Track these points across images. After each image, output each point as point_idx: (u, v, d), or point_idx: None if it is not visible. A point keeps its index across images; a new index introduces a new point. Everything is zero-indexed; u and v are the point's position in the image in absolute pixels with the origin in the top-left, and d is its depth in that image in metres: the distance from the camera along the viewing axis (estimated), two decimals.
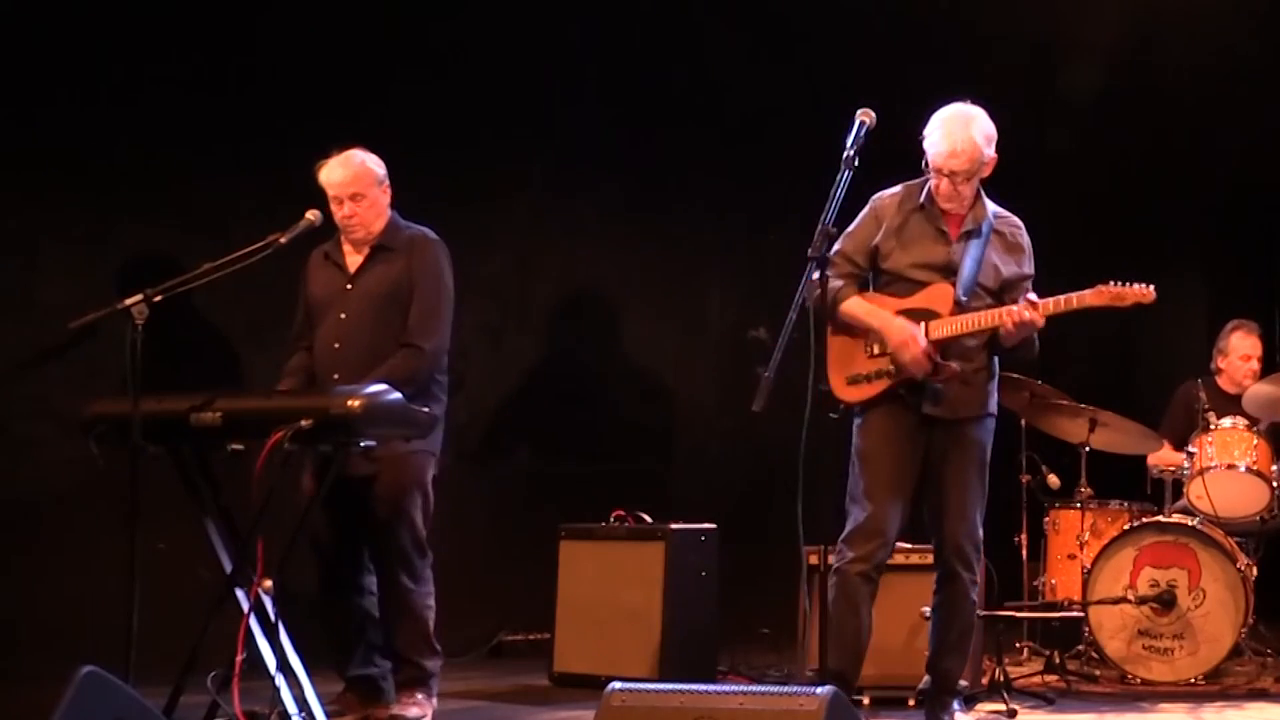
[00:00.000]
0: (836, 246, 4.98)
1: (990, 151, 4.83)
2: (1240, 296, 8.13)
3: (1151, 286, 4.68)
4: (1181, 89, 8.32)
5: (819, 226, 4.39)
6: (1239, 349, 7.03)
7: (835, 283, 4.92)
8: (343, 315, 5.18)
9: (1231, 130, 8.34)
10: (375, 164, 5.24)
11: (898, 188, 5.00)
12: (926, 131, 4.85)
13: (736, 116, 7.92)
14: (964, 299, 4.78)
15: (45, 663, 4.49)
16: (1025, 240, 4.99)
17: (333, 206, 5.18)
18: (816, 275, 4.87)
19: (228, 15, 6.69)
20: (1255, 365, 6.99)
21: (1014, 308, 4.71)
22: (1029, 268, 4.96)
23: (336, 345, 5.13)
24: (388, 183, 5.25)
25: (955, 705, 5.00)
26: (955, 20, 8.01)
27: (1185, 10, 7.92)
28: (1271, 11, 7.87)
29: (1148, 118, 8.43)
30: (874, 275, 4.97)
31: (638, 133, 7.69)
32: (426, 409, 4.82)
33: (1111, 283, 4.69)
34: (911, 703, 5.34)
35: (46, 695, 3.55)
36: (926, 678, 5.06)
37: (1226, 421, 6.50)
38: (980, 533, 4.92)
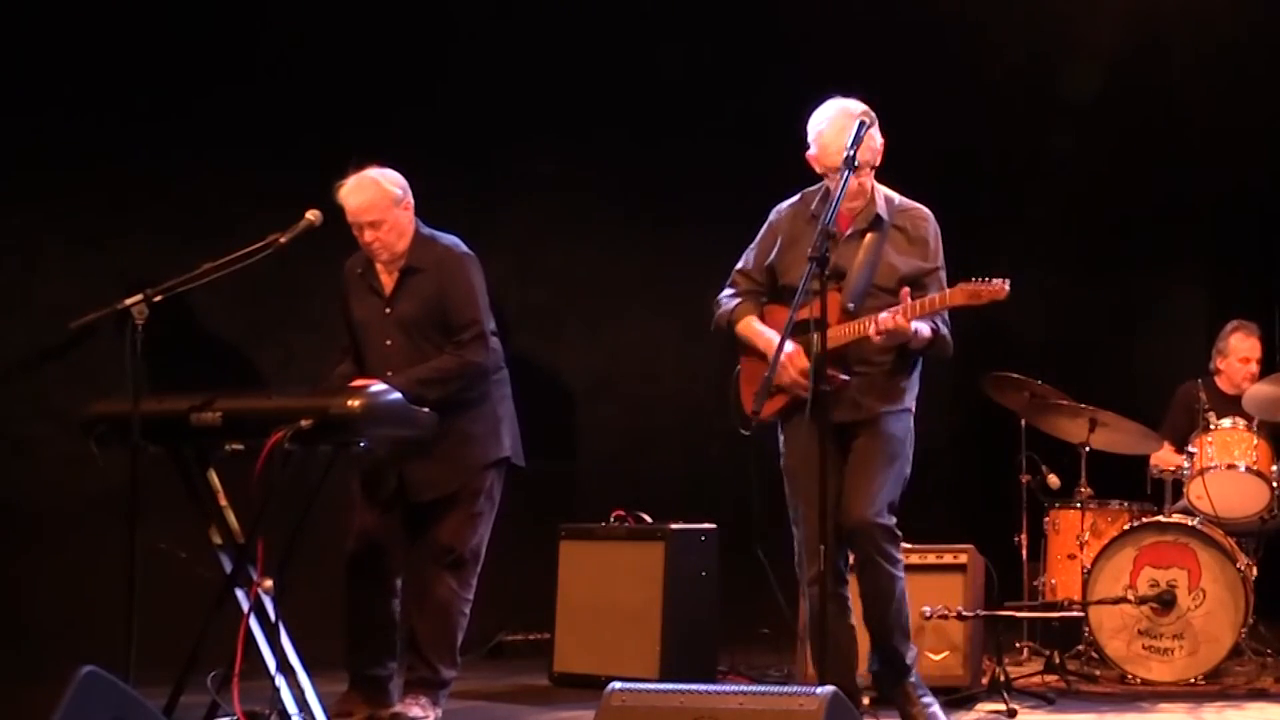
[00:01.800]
0: (739, 263, 5.07)
1: (880, 138, 4.78)
2: (1240, 296, 8.12)
3: (1006, 282, 4.59)
4: (1181, 89, 8.32)
5: (819, 226, 4.40)
6: (1239, 350, 7.03)
7: (730, 302, 4.99)
8: (388, 342, 5.18)
9: (1232, 130, 8.34)
10: (391, 184, 5.15)
11: (795, 197, 4.97)
12: (811, 138, 4.78)
13: (736, 116, 7.92)
14: (851, 306, 4.73)
15: (45, 663, 4.50)
16: (931, 231, 4.88)
17: (354, 231, 5.16)
18: (729, 291, 4.95)
19: (229, 17, 6.70)
20: (1254, 367, 6.98)
21: (882, 315, 4.63)
22: (935, 260, 4.86)
23: (390, 374, 5.05)
24: (408, 198, 5.18)
25: (913, 678, 4.90)
26: (955, 20, 8.01)
27: (1185, 10, 7.92)
28: (1271, 11, 7.87)
29: (1148, 118, 8.43)
30: (776, 289, 4.95)
31: (638, 133, 7.69)
32: (484, 407, 5.09)
33: (973, 279, 4.60)
34: (866, 700, 5.12)
35: (46, 695, 3.55)
36: (876, 663, 4.94)
37: (1226, 422, 6.49)
38: (890, 518, 4.79)
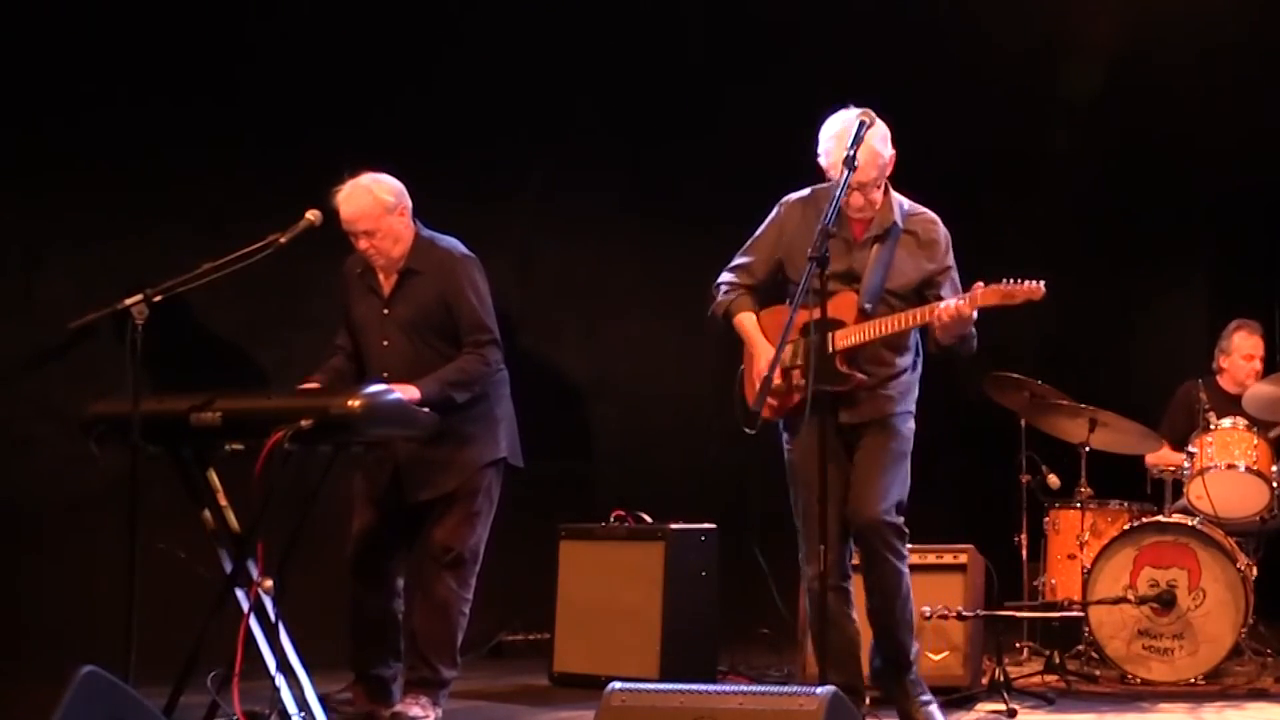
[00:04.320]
0: (738, 257, 5.07)
1: (889, 150, 4.79)
2: (1240, 296, 8.13)
3: (1041, 283, 4.60)
4: (1181, 88, 8.31)
5: (819, 226, 4.40)
6: (1241, 349, 7.03)
7: (728, 295, 5.02)
8: (385, 343, 5.20)
9: (1232, 130, 8.33)
10: (385, 191, 5.14)
11: (805, 191, 4.98)
12: (821, 150, 4.79)
13: (736, 116, 7.91)
14: (868, 307, 4.77)
15: (45, 663, 4.50)
16: (940, 234, 4.93)
17: (350, 238, 5.17)
18: (728, 277, 4.96)
19: (229, 18, 6.70)
20: (1258, 365, 6.99)
21: (948, 303, 4.65)
22: (946, 260, 4.91)
23: (386, 374, 5.08)
24: (403, 203, 5.17)
25: (913, 675, 4.94)
26: (955, 20, 8.01)
27: (1185, 10, 7.92)
28: (1271, 11, 7.86)
29: (1148, 117, 8.42)
30: (781, 285, 4.97)
31: (637, 133, 7.69)
32: (482, 407, 5.12)
33: (1005, 280, 4.61)
34: (867, 700, 5.13)
35: (46, 695, 3.55)
36: (877, 660, 5.00)
37: (1226, 422, 6.49)
38: (898, 517, 4.85)
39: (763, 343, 4.87)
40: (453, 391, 5.00)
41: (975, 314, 4.68)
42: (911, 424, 4.94)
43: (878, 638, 4.96)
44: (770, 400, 4.78)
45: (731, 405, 5.07)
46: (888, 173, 4.83)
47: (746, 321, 4.98)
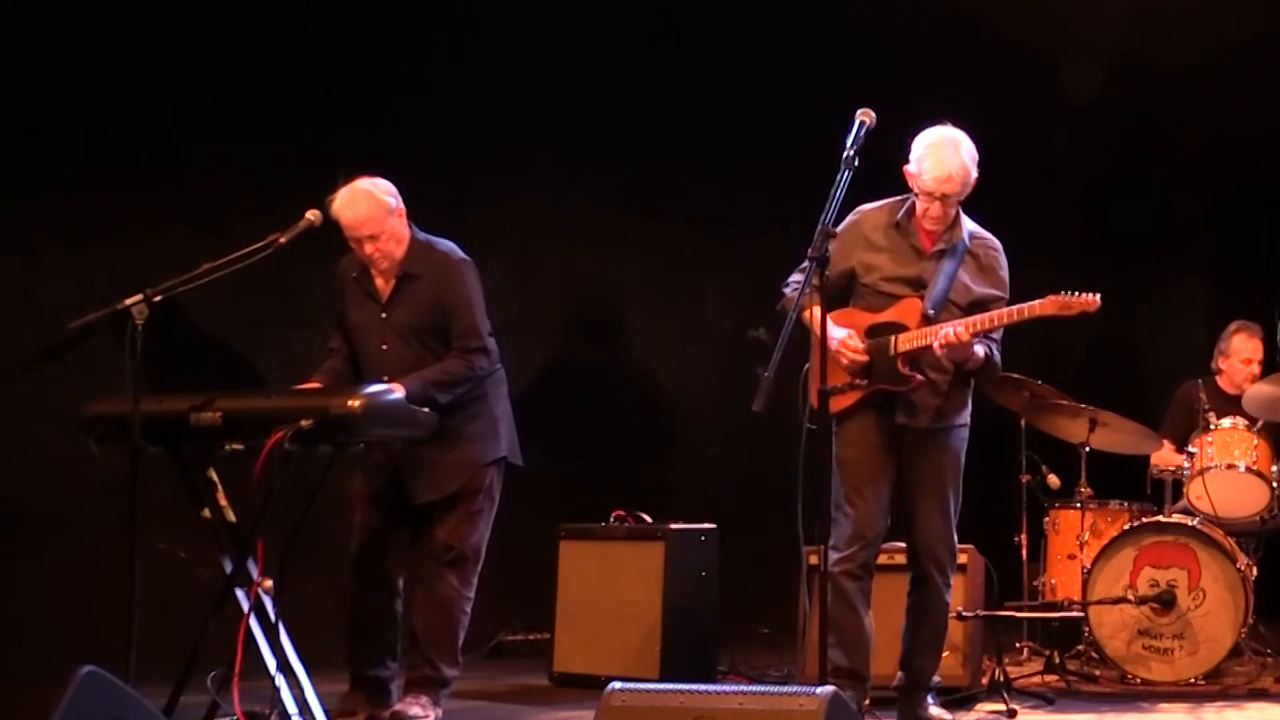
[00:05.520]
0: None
1: (975, 173, 4.96)
2: (1240, 296, 8.12)
3: (1097, 295, 4.75)
4: (1181, 88, 8.32)
5: (819, 226, 4.40)
6: (1241, 351, 7.03)
7: (797, 292, 4.96)
8: (384, 347, 5.18)
9: (1231, 129, 8.34)
10: (383, 193, 5.12)
11: (881, 204, 5.08)
12: (915, 156, 4.93)
13: (736, 116, 7.92)
14: (932, 313, 4.87)
15: (45, 663, 4.50)
16: (1001, 263, 5.07)
17: (352, 245, 5.15)
18: (796, 277, 4.98)
19: (229, 18, 6.70)
20: (1256, 368, 6.98)
21: (943, 330, 4.78)
22: (1002, 290, 5.04)
23: (385, 379, 5.05)
24: (400, 204, 5.15)
25: (929, 699, 5.10)
26: (956, 20, 8.01)
27: (1185, 10, 7.92)
28: (1271, 11, 7.87)
29: (1147, 117, 8.43)
30: (850, 288, 5.05)
31: (637, 133, 7.69)
32: (481, 406, 5.13)
33: (1063, 292, 4.76)
34: (867, 700, 5.20)
35: (46, 695, 3.55)
36: (900, 674, 5.13)
37: (1226, 422, 6.49)
38: (954, 538, 5.01)
39: (832, 331, 4.87)
40: (436, 392, 4.97)
41: (980, 346, 4.86)
42: (966, 437, 5.06)
43: (905, 655, 5.08)
44: (832, 399, 4.82)
45: (746, 407, 4.98)
46: (967, 192, 4.96)
47: (819, 316, 4.96)
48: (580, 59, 7.46)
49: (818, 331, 4.85)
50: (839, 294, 5.03)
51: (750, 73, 7.91)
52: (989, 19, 7.98)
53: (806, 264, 5.00)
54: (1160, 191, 8.63)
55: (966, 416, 5.06)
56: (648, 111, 7.67)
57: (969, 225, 5.05)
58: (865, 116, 4.63)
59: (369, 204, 5.07)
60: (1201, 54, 8.15)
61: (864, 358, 4.85)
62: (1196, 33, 8.02)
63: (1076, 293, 4.74)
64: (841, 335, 4.85)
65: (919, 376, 4.87)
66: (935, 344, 4.79)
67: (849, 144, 4.54)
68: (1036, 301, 4.78)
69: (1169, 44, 8.08)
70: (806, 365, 5.05)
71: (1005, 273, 5.07)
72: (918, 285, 4.94)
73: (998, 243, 5.10)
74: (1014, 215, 8.42)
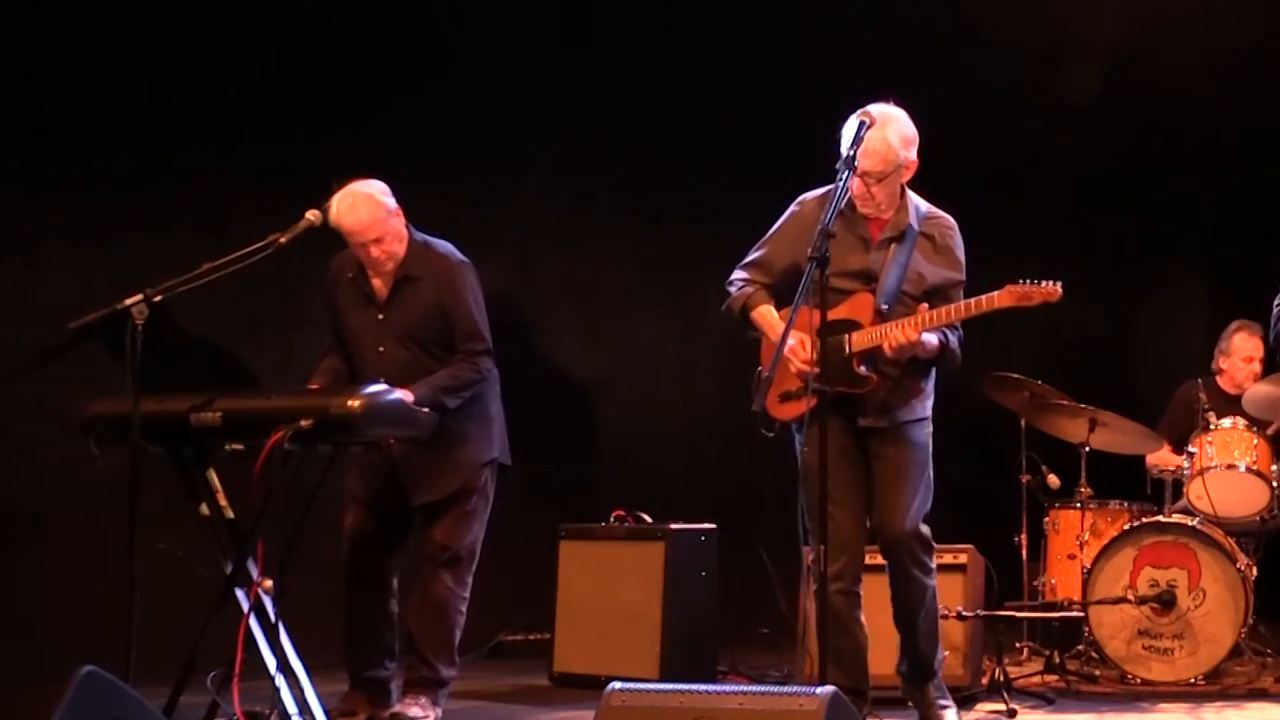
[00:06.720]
0: (752, 253, 4.98)
1: (908, 154, 4.74)
2: (1240, 296, 8.12)
3: (1058, 284, 4.57)
4: (1181, 87, 8.31)
5: (819, 226, 4.38)
6: (1241, 350, 7.03)
7: (744, 290, 4.93)
8: (380, 349, 5.17)
9: (1231, 129, 8.34)
10: (381, 194, 5.10)
11: (821, 190, 4.88)
12: (842, 131, 4.68)
13: (736, 116, 7.92)
14: (885, 308, 4.72)
15: (45, 663, 4.50)
16: (955, 241, 4.87)
17: (356, 251, 5.13)
18: (740, 274, 4.90)
19: (229, 18, 6.69)
20: (1257, 367, 6.98)
21: (894, 331, 4.61)
22: (958, 272, 4.86)
23: (383, 379, 5.06)
24: (396, 204, 5.15)
25: (936, 680, 4.97)
26: (956, 20, 8.01)
27: (1185, 9, 7.92)
28: (1271, 10, 7.87)
29: (1148, 116, 8.43)
30: (797, 284, 4.82)
31: (637, 133, 7.69)
32: (477, 407, 5.12)
33: (1021, 281, 4.57)
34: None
35: (46, 695, 3.55)
36: (904, 664, 5.02)
37: (1226, 422, 6.49)
38: (924, 529, 4.84)
39: (781, 329, 4.71)
40: (445, 397, 4.98)
41: (934, 335, 4.68)
42: (929, 430, 4.90)
43: (903, 645, 4.98)
44: (788, 404, 4.75)
45: (746, 407, 4.97)
46: (904, 177, 4.77)
47: (767, 315, 4.86)
48: (580, 59, 7.45)
49: (770, 334, 4.80)
50: (787, 290, 4.82)
51: (751, 73, 7.90)
52: (988, 19, 7.98)
53: (752, 258, 4.99)
54: (1160, 191, 8.62)
55: (928, 410, 4.88)
56: (647, 111, 7.67)
57: (921, 206, 4.86)
58: (865, 117, 4.62)
59: (370, 208, 5.06)
60: (1202, 53, 8.15)
61: (812, 369, 4.50)
62: (1197, 33, 8.02)
63: (1037, 281, 4.57)
64: (791, 343, 4.61)
65: (875, 377, 4.72)
66: (885, 346, 4.64)
67: (849, 145, 4.53)
68: (995, 293, 4.59)
69: (1169, 43, 8.08)
70: (758, 370, 4.95)
71: (961, 253, 4.86)
72: (868, 279, 4.75)
73: (952, 220, 4.90)
74: (1013, 215, 8.48)
